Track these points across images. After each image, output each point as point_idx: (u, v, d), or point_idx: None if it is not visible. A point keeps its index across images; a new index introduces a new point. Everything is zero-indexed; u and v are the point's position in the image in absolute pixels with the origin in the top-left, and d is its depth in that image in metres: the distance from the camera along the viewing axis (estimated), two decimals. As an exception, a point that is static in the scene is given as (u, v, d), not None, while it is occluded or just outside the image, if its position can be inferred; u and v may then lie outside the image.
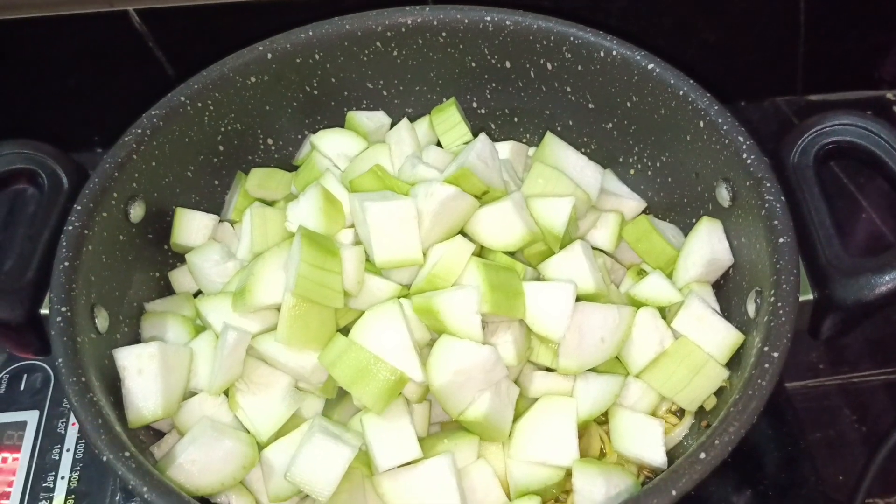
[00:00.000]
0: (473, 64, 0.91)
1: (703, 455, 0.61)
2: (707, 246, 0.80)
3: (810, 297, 0.72)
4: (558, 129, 0.93)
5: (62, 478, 0.85)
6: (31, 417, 0.89)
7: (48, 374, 0.92)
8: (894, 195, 0.79)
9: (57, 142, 0.84)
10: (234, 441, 0.72)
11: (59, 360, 0.68)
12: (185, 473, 0.70)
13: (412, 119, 0.95)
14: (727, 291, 0.81)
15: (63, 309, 0.70)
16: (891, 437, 0.89)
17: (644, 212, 0.91)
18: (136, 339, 0.81)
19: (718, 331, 0.76)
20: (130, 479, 0.62)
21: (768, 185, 0.73)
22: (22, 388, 0.91)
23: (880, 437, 0.88)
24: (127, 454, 0.63)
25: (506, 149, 0.90)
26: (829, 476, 0.89)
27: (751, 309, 0.75)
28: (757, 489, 0.84)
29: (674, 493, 0.59)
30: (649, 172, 0.90)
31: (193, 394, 0.77)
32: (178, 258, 0.88)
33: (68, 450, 0.86)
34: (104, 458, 0.63)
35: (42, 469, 0.86)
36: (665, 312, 0.80)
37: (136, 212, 0.82)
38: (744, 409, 0.62)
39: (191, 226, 0.86)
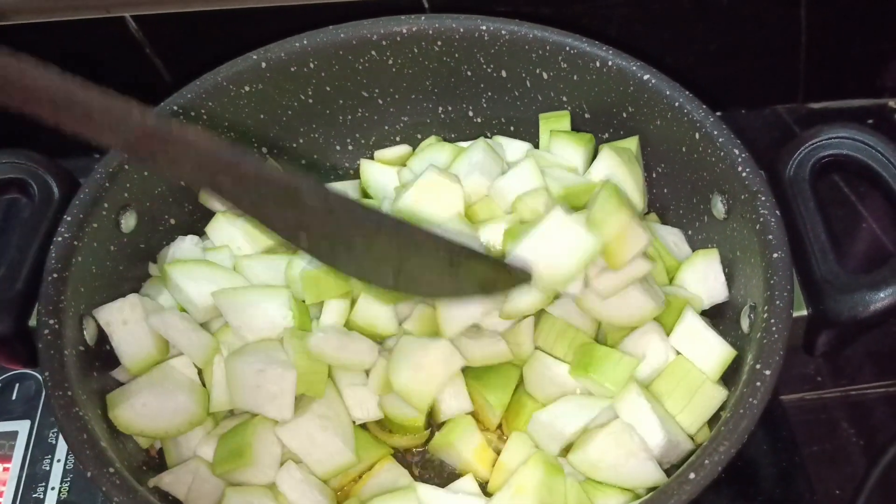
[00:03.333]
0: (469, 73, 0.91)
1: (692, 475, 0.60)
2: (702, 284, 0.80)
3: (804, 312, 0.71)
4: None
5: (52, 488, 0.84)
6: (22, 427, 0.88)
7: (40, 384, 0.91)
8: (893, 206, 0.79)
9: (54, 147, 0.83)
10: (188, 397, 0.75)
11: (46, 373, 0.67)
12: (135, 414, 0.73)
13: (411, 130, 0.95)
14: (722, 306, 0.80)
15: (51, 321, 0.70)
16: (889, 450, 0.88)
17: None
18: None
19: (711, 346, 0.75)
20: (114, 495, 0.61)
21: (763, 198, 0.72)
22: (13, 397, 0.91)
23: (879, 450, 0.88)
24: (111, 470, 0.63)
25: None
26: (826, 490, 0.88)
27: (745, 324, 0.74)
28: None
29: (662, 513, 0.58)
30: (644, 183, 0.89)
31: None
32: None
33: (59, 460, 0.86)
34: (88, 474, 0.63)
35: (32, 479, 0.85)
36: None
37: (128, 222, 0.81)
38: (734, 428, 0.62)
39: None
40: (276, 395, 0.73)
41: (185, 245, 0.85)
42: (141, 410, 0.73)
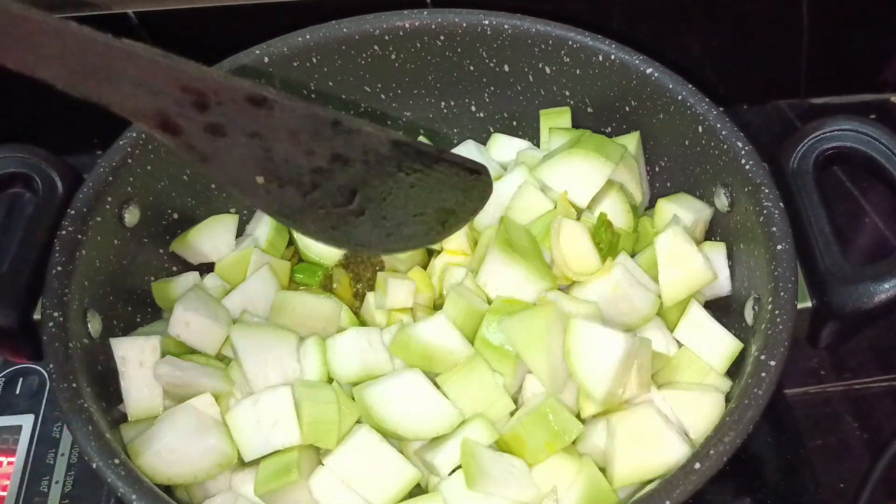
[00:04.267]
0: (472, 67, 0.91)
1: (697, 465, 0.60)
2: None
3: (809, 304, 0.71)
4: (557, 133, 0.93)
5: (56, 482, 0.84)
6: (26, 421, 0.88)
7: (44, 378, 0.91)
8: (896, 200, 0.79)
9: (57, 145, 0.83)
10: (219, 438, 0.72)
11: (51, 365, 0.67)
12: (162, 462, 0.69)
13: (413, 125, 0.95)
14: (725, 299, 0.80)
15: (55, 314, 0.70)
16: (893, 444, 0.88)
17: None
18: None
19: (718, 339, 0.75)
20: (119, 486, 0.61)
21: (766, 191, 0.72)
22: (17, 391, 0.91)
23: (883, 444, 0.88)
24: (117, 461, 0.62)
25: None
26: (830, 483, 0.88)
27: (749, 317, 0.74)
28: (756, 497, 0.83)
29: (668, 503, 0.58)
30: (648, 177, 0.89)
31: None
32: (174, 263, 0.88)
33: (63, 454, 0.86)
34: (94, 465, 0.63)
35: (36, 473, 0.85)
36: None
37: (131, 216, 0.81)
38: (739, 419, 0.62)
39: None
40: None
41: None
42: (168, 457, 0.69)
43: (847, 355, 0.97)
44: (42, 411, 0.89)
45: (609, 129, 0.89)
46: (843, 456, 0.91)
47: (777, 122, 1.18)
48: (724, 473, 0.61)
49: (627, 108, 0.86)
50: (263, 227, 0.88)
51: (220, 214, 0.89)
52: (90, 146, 1.15)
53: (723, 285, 0.79)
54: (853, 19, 1.11)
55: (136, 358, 0.74)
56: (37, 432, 0.88)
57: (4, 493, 0.84)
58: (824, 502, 0.85)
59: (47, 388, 0.91)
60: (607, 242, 0.79)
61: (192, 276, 0.86)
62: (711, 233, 0.83)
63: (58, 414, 0.88)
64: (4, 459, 0.86)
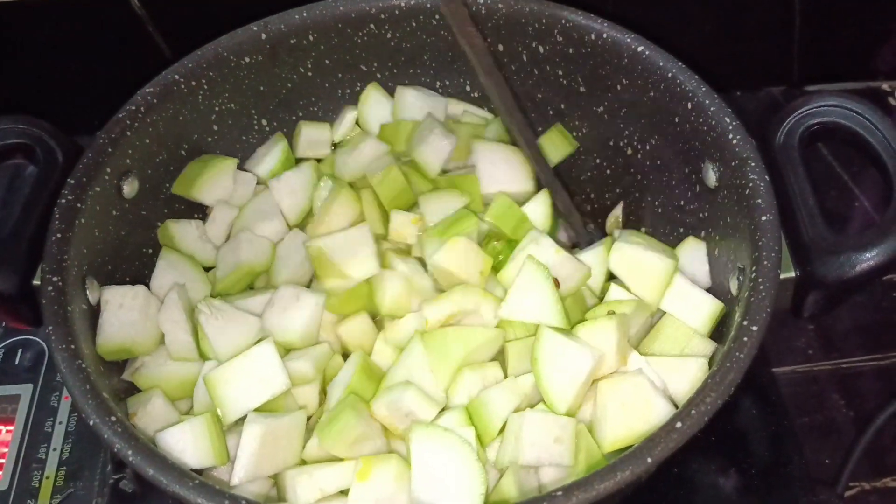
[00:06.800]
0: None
1: (679, 424, 0.61)
2: (686, 272, 0.81)
3: (792, 274, 0.72)
4: (550, 112, 0.94)
5: (54, 449, 0.86)
6: (24, 391, 0.90)
7: (42, 349, 0.93)
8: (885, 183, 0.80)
9: (57, 124, 0.85)
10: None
11: (50, 327, 0.68)
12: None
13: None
14: (711, 271, 0.81)
15: (55, 279, 0.71)
16: (876, 420, 0.90)
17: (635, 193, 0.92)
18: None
19: (699, 301, 0.77)
20: (116, 442, 0.62)
21: (753, 164, 0.74)
22: (17, 361, 0.92)
23: (867, 420, 0.89)
24: (113, 419, 0.64)
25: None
26: (816, 459, 0.89)
27: (733, 287, 0.75)
28: (741, 469, 0.85)
29: (649, 460, 0.60)
30: (639, 155, 0.90)
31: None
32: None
33: (61, 422, 0.88)
34: (90, 423, 0.64)
35: (35, 441, 0.87)
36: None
37: (130, 188, 0.82)
38: (721, 381, 0.63)
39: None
40: None
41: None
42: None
43: (834, 335, 0.99)
44: (41, 381, 0.91)
45: (601, 108, 0.90)
46: (828, 432, 0.92)
47: (769, 108, 1.20)
48: (710, 447, 0.62)
49: (619, 87, 0.87)
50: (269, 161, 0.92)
51: (216, 157, 0.91)
52: (90, 126, 1.15)
53: (703, 280, 0.81)
54: (845, 6, 1.13)
55: (116, 301, 0.78)
56: (35, 401, 0.89)
57: (3, 460, 0.85)
58: (809, 477, 0.86)
59: (46, 358, 0.92)
60: (496, 254, 0.83)
61: (193, 224, 0.88)
62: (699, 209, 0.84)
63: (58, 382, 0.90)
64: (3, 428, 0.88)
